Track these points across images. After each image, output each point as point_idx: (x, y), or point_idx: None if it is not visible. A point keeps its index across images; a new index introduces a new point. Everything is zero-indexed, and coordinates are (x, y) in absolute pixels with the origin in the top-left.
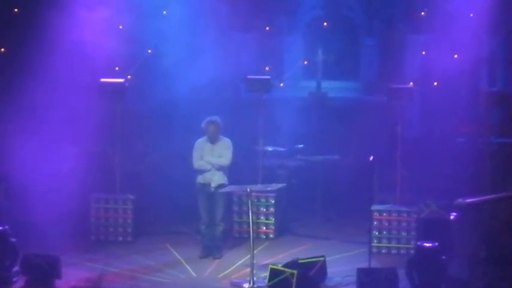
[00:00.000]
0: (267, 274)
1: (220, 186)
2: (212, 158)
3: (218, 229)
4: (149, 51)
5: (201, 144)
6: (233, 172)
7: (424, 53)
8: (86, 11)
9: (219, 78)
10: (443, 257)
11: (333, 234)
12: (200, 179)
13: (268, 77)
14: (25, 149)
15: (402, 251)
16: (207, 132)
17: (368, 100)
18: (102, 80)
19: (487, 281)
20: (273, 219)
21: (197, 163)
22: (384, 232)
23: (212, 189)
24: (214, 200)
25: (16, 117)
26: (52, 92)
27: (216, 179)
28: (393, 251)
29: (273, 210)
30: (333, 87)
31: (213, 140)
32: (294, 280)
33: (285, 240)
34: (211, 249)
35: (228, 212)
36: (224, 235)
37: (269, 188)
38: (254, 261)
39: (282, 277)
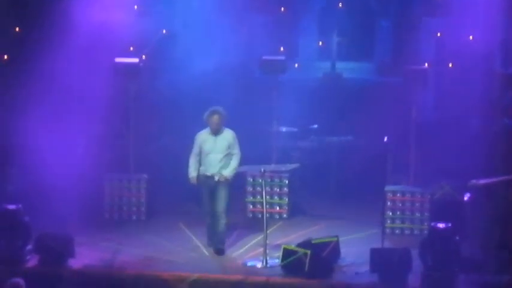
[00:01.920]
0: (280, 254)
1: (224, 179)
2: (215, 152)
3: (221, 222)
4: (164, 31)
5: (203, 137)
6: (247, 152)
7: (439, 34)
8: None
9: (234, 59)
10: (457, 238)
11: (347, 215)
12: (203, 170)
13: (283, 58)
14: (39, 128)
15: (415, 232)
16: (211, 124)
17: (382, 81)
18: (117, 59)
19: (500, 263)
20: (287, 200)
21: (192, 159)
22: (398, 213)
23: (214, 181)
24: (216, 192)
25: (30, 97)
26: (66, 71)
27: (222, 172)
28: (406, 232)
29: (287, 190)
30: (347, 68)
31: (216, 132)
32: (307, 260)
33: (298, 220)
34: (215, 243)
35: (241, 194)
36: (227, 227)
37: (283, 169)
38: (267, 241)
39: (295, 257)
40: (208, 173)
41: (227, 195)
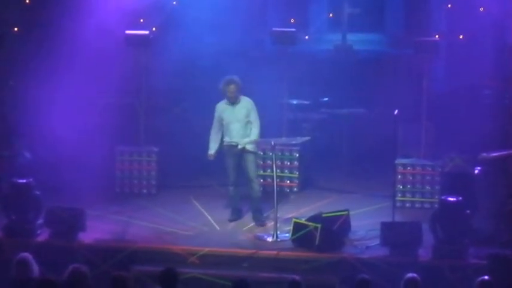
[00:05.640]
0: (290, 228)
1: (247, 149)
2: (235, 121)
3: (255, 188)
4: (174, 3)
5: (222, 107)
6: None
7: (449, 6)
8: None
9: (244, 31)
10: (467, 211)
11: (357, 188)
12: (227, 141)
13: (294, 29)
14: (49, 100)
15: (426, 205)
16: (226, 93)
17: (393, 53)
18: (127, 32)
19: (510, 235)
20: (297, 173)
21: (212, 134)
22: (408, 186)
23: (239, 149)
24: (243, 159)
25: (40, 69)
26: (77, 44)
27: (245, 143)
28: (417, 205)
29: (297, 163)
30: (358, 40)
31: (233, 101)
32: (318, 234)
33: (309, 194)
34: (253, 214)
35: None
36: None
37: (293, 142)
38: (278, 215)
39: (305, 231)
40: (233, 142)
41: (255, 160)
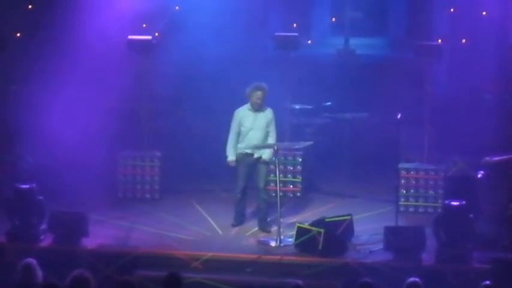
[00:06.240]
0: (293, 232)
1: (263, 158)
2: (256, 129)
3: (262, 198)
4: (176, 8)
5: (242, 113)
6: None
7: (452, 10)
8: None
9: (246, 35)
10: (470, 216)
11: (360, 193)
12: (243, 148)
13: (296, 34)
14: (51, 105)
15: (429, 210)
16: (253, 99)
17: (396, 57)
18: (130, 37)
19: None
20: (300, 178)
21: (231, 140)
22: (411, 190)
23: (254, 159)
24: (256, 169)
25: (43, 74)
26: (79, 49)
27: (262, 153)
28: (420, 210)
29: (300, 168)
30: (361, 44)
31: (257, 108)
32: (321, 238)
33: (312, 198)
34: (259, 223)
35: None
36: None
37: (296, 146)
38: (281, 220)
39: (308, 235)
40: (248, 151)
41: (266, 171)
